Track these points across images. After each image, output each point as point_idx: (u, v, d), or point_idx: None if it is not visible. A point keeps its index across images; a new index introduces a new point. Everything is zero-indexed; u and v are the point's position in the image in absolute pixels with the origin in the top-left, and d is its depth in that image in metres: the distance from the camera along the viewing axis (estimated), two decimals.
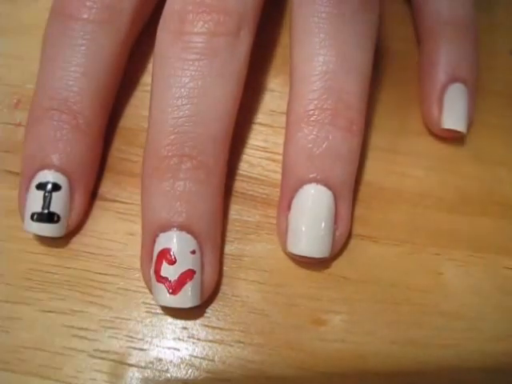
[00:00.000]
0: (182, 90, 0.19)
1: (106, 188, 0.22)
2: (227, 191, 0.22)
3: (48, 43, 0.21)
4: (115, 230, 0.21)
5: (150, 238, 0.19)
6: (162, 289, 0.18)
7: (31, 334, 0.19)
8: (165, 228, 0.19)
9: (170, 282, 0.18)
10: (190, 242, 0.19)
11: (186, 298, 0.18)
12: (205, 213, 0.19)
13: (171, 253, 0.18)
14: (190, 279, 0.18)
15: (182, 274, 0.18)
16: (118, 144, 0.22)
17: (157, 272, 0.19)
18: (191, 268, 0.18)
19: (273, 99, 0.24)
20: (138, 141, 0.22)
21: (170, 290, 0.18)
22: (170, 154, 0.19)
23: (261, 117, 0.23)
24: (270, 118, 0.23)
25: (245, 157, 0.23)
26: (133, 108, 0.23)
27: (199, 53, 0.19)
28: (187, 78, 0.19)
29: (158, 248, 0.19)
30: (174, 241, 0.18)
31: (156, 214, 0.19)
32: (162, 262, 0.18)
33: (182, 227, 0.19)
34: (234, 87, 0.20)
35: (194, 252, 0.19)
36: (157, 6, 0.23)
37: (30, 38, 0.23)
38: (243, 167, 0.22)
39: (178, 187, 0.19)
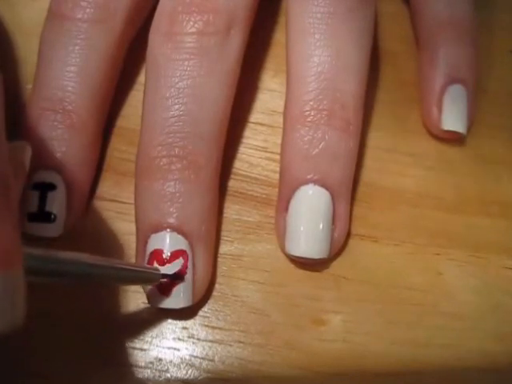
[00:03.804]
0: (172, 90, 0.19)
1: (105, 188, 0.21)
2: (227, 191, 0.22)
3: (44, 44, 0.21)
4: (115, 229, 0.21)
5: (142, 239, 0.19)
6: (153, 290, 0.18)
7: None
8: (156, 229, 0.19)
9: (161, 282, 0.18)
10: (181, 243, 0.19)
11: (178, 298, 0.18)
12: (195, 213, 0.19)
13: (162, 254, 0.18)
14: (182, 280, 0.18)
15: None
16: (117, 144, 0.22)
17: None
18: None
19: (273, 99, 0.24)
20: (137, 141, 0.22)
21: (161, 291, 0.18)
22: (159, 154, 0.19)
23: (261, 117, 0.23)
24: (270, 117, 0.23)
25: (245, 157, 0.22)
26: (132, 108, 0.23)
27: (188, 52, 0.19)
28: (177, 78, 0.19)
29: (149, 249, 0.19)
30: (164, 242, 0.18)
31: (147, 216, 0.19)
32: (153, 263, 0.18)
33: (172, 228, 0.18)
34: (224, 86, 0.20)
35: (181, 252, 0.18)
36: (154, 5, 0.23)
37: (29, 39, 0.23)
38: (243, 167, 0.22)
39: (168, 188, 0.19)
